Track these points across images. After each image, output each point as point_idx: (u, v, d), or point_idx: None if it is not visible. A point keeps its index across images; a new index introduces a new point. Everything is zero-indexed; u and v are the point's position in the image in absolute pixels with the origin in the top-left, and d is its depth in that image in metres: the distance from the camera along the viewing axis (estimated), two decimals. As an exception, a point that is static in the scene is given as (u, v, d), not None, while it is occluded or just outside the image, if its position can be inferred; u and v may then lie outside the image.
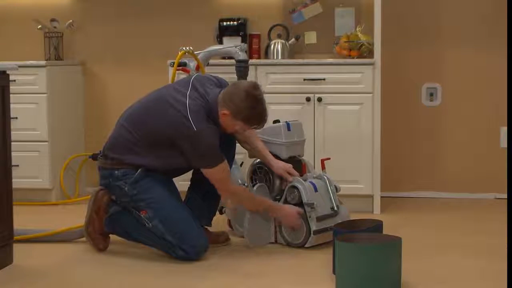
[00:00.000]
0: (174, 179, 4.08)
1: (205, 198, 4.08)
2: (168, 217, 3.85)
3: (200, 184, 4.05)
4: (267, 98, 4.83)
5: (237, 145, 4.19)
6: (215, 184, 3.87)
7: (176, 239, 3.82)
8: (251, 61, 4.75)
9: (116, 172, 3.92)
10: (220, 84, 4.00)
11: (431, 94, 5.40)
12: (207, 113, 3.81)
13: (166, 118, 3.80)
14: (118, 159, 3.92)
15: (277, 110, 4.87)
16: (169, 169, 3.96)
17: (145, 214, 3.87)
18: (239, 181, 4.32)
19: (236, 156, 4.29)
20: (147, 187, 3.88)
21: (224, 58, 5.08)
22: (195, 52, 4.47)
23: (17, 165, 4.96)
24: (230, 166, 4.13)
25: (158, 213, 3.85)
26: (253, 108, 3.79)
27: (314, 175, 4.20)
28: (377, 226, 3.63)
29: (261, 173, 4.22)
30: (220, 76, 4.90)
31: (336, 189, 4.16)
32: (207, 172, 3.84)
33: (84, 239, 4.11)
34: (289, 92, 4.93)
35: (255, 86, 3.84)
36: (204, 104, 3.82)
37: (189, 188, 4.14)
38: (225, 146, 3.93)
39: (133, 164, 3.89)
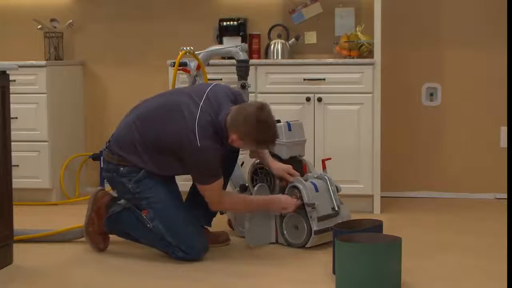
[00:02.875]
0: (176, 178, 4.07)
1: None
2: (169, 218, 3.84)
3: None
4: (267, 98, 4.86)
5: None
6: (208, 199, 3.88)
7: (176, 240, 3.82)
8: (251, 61, 4.74)
9: (121, 168, 3.91)
10: (235, 98, 3.95)
11: (431, 94, 5.40)
12: (214, 130, 3.77)
13: (173, 126, 3.78)
14: (123, 157, 3.91)
15: (277, 110, 4.82)
16: (169, 175, 3.97)
17: (146, 214, 3.87)
18: (240, 181, 4.32)
19: (237, 156, 4.29)
20: (150, 186, 3.88)
21: (224, 58, 5.08)
22: (196, 52, 4.46)
23: (17, 165, 4.96)
24: (229, 177, 4.16)
25: (159, 214, 3.85)
26: (263, 132, 3.74)
27: (315, 175, 4.20)
28: (377, 226, 3.63)
29: (261, 173, 4.21)
30: (221, 76, 4.91)
31: (337, 189, 4.16)
32: (199, 187, 3.85)
33: (84, 239, 4.11)
34: (289, 92, 4.92)
35: (263, 108, 3.74)
36: (213, 121, 3.78)
37: (190, 188, 4.13)
38: (228, 159, 3.98)
39: (136, 166, 3.89)
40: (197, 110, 3.78)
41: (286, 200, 4.03)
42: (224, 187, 4.02)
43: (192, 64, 4.55)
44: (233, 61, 4.62)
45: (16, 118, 4.62)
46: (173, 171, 3.94)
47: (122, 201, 4.11)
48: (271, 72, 4.95)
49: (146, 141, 3.86)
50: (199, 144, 3.70)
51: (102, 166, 4.11)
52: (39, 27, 5.54)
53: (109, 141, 4.01)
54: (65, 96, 5.48)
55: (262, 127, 3.71)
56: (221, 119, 3.78)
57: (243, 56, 4.55)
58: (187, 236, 3.83)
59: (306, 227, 4.03)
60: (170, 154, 3.81)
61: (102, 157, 4.06)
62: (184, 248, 3.81)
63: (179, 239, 3.82)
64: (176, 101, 3.88)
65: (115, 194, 4.08)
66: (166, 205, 3.87)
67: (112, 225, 4.01)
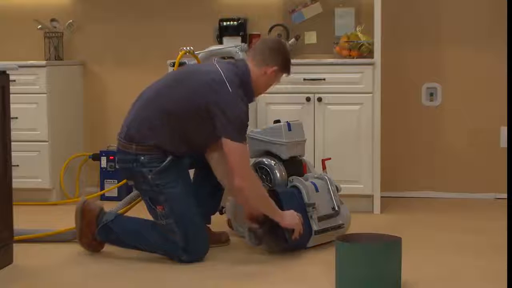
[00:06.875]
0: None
1: (206, 197, 4.07)
2: (184, 219, 3.76)
3: (202, 183, 4.05)
4: (267, 98, 4.85)
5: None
6: (234, 162, 3.66)
7: (184, 242, 3.76)
8: (251, 61, 4.74)
9: (142, 158, 3.76)
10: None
11: (431, 94, 5.40)
12: (240, 80, 3.75)
13: (197, 82, 3.72)
14: (142, 142, 3.76)
15: (277, 110, 4.88)
16: (193, 147, 3.84)
17: (161, 210, 3.77)
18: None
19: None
20: (170, 180, 3.76)
21: (224, 58, 5.07)
22: (196, 52, 4.46)
23: (17, 165, 4.95)
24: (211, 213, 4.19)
25: (175, 212, 3.76)
26: (288, 54, 3.95)
27: (315, 175, 4.20)
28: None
29: (262, 173, 4.21)
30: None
31: (337, 189, 4.16)
32: (227, 144, 3.67)
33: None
34: (289, 92, 4.92)
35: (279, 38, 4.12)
36: (236, 71, 3.77)
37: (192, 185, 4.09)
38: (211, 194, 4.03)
39: (156, 146, 3.75)
40: (216, 66, 3.78)
41: (299, 219, 3.86)
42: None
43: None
44: (233, 61, 4.61)
45: (16, 118, 4.63)
46: (200, 138, 3.79)
47: (113, 209, 4.10)
48: (271, 72, 4.94)
49: (166, 111, 3.74)
50: (231, 91, 3.65)
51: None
52: (39, 27, 5.54)
53: (121, 132, 3.87)
54: (65, 96, 5.48)
55: (287, 49, 3.98)
56: (243, 66, 3.81)
57: (242, 56, 4.54)
58: (196, 240, 3.79)
59: (306, 227, 4.02)
60: (194, 116, 3.70)
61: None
62: (190, 251, 3.77)
63: (188, 241, 3.76)
64: (188, 70, 3.90)
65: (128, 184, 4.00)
66: (183, 205, 3.78)
67: (105, 233, 3.91)
